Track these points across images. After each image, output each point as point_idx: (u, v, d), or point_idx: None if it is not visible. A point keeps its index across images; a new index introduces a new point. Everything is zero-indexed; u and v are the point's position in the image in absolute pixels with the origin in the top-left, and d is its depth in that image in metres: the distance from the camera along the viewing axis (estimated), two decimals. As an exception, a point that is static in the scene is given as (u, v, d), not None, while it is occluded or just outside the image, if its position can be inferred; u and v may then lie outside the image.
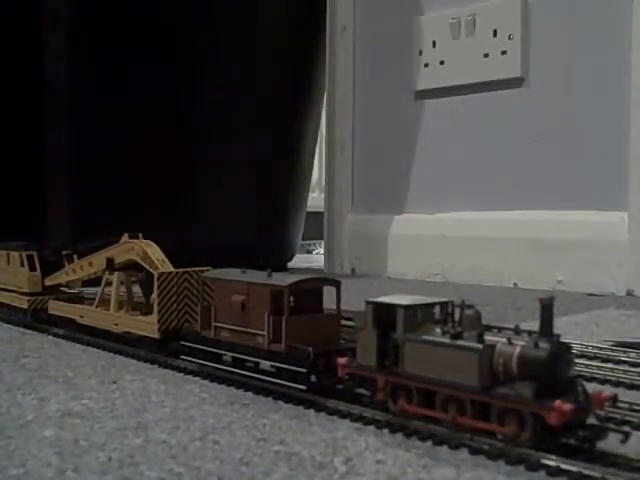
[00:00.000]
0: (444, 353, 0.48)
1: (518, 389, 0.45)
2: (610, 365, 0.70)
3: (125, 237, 0.79)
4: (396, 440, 0.49)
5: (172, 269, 0.73)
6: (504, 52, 1.38)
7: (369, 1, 1.63)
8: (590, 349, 0.75)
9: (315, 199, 2.19)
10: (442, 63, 1.48)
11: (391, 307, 0.51)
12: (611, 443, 0.44)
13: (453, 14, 1.45)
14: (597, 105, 1.28)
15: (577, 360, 0.70)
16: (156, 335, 0.72)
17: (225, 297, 0.63)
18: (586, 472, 0.41)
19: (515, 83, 1.38)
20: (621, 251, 1.24)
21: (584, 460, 0.42)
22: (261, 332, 0.60)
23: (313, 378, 0.57)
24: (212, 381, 0.64)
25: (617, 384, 0.64)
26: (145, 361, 0.73)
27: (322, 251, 1.85)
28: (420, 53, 1.51)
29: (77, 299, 0.92)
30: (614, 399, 0.47)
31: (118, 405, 0.57)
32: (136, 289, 0.81)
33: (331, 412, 0.54)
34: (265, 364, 0.61)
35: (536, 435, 0.44)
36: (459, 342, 0.48)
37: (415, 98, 1.54)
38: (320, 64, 1.70)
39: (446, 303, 0.52)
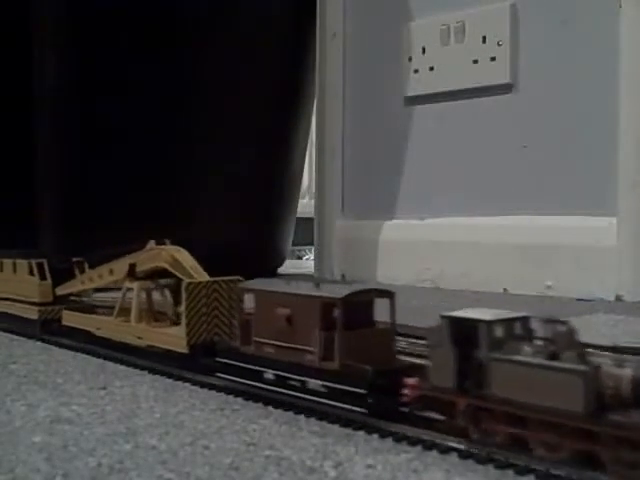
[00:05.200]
0: (541, 375, 0.43)
1: (636, 417, 0.40)
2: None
3: (151, 243, 0.74)
4: (386, 445, 0.49)
5: (206, 277, 0.67)
6: (493, 58, 1.39)
7: (359, 8, 1.64)
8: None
9: (305, 205, 2.19)
10: (432, 69, 1.48)
11: (471, 322, 0.47)
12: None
13: (442, 21, 1.45)
14: (586, 111, 1.29)
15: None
16: (184, 349, 0.66)
17: (268, 310, 0.58)
18: (574, 477, 0.41)
19: (504, 89, 1.39)
20: (610, 256, 1.24)
21: None
22: (310, 348, 0.55)
23: (372, 400, 0.51)
24: (202, 387, 0.64)
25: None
26: (135, 367, 0.73)
27: (312, 257, 1.85)
28: (410, 59, 1.52)
29: (90, 309, 0.86)
30: None
31: (108, 411, 0.57)
32: (154, 298, 0.77)
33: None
34: (315, 383, 0.55)
35: None
36: (559, 364, 0.43)
37: (405, 104, 1.55)
38: (310, 70, 1.71)
39: (527, 318, 0.48)
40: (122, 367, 0.73)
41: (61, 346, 0.84)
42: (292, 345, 0.56)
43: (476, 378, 0.46)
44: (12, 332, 0.92)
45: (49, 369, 0.72)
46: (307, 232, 1.81)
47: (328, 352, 0.54)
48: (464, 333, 0.47)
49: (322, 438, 0.50)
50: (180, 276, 0.69)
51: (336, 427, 0.52)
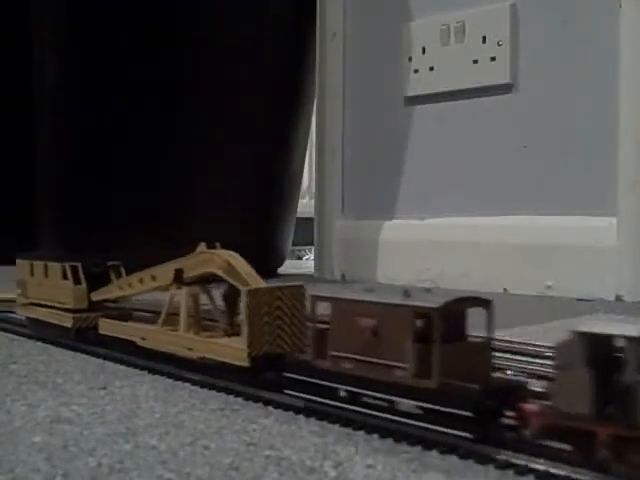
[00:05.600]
0: None
1: None
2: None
3: (202, 246, 0.68)
4: (386, 445, 0.49)
5: (263, 283, 0.61)
6: (493, 58, 1.39)
7: (359, 8, 1.64)
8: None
9: (305, 205, 2.19)
10: (432, 69, 1.49)
11: (613, 339, 0.41)
12: None
13: (442, 21, 1.45)
14: (586, 110, 1.29)
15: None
16: (245, 363, 0.59)
17: (348, 320, 0.52)
18: (575, 476, 0.41)
19: (504, 89, 1.39)
20: (610, 256, 1.24)
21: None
22: (400, 364, 0.49)
23: (479, 423, 0.45)
24: (202, 387, 0.64)
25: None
26: (135, 367, 0.72)
27: (312, 257, 1.85)
28: (410, 59, 1.52)
29: (127, 316, 0.80)
30: None
31: (107, 411, 0.57)
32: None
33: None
34: (407, 404, 0.49)
35: None
36: None
37: (405, 104, 1.55)
38: (310, 70, 1.71)
39: None
40: (122, 367, 0.73)
41: (64, 346, 0.84)
42: (377, 360, 0.50)
43: (621, 404, 0.40)
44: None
45: (49, 369, 0.72)
46: (307, 232, 1.81)
47: (423, 368, 0.48)
48: (602, 351, 0.41)
49: (322, 438, 0.50)
50: (234, 283, 0.63)
51: (336, 427, 0.52)
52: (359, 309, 0.52)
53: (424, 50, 1.49)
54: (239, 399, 0.60)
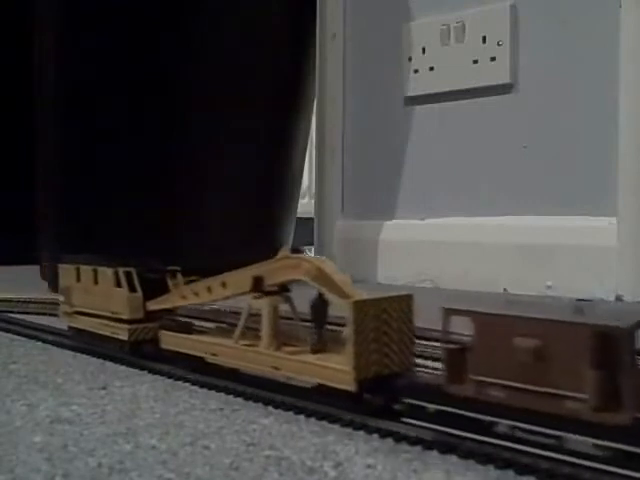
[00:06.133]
0: None
1: None
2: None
3: (284, 251, 0.61)
4: (386, 445, 0.49)
5: (362, 293, 0.54)
6: (493, 58, 1.39)
7: (359, 8, 1.64)
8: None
9: (305, 205, 2.18)
10: (432, 69, 1.48)
11: None
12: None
13: (442, 20, 1.45)
14: (586, 110, 1.29)
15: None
16: (351, 386, 0.51)
17: (500, 340, 0.44)
18: (575, 476, 0.41)
19: (504, 89, 1.39)
20: (610, 256, 1.24)
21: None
22: (575, 394, 0.41)
23: None
24: (202, 387, 0.64)
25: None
26: (135, 367, 0.72)
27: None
28: (410, 59, 1.52)
29: (188, 328, 0.72)
30: None
31: (108, 411, 0.57)
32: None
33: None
34: (583, 442, 0.41)
35: None
36: None
37: (405, 104, 1.55)
38: (310, 70, 1.71)
39: None
40: (122, 367, 0.73)
41: (64, 346, 0.84)
42: (541, 388, 0.42)
43: None
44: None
45: (49, 369, 0.72)
46: (307, 232, 1.81)
47: (607, 400, 0.40)
48: None
49: (322, 438, 0.50)
50: (326, 292, 0.56)
51: (336, 427, 0.52)
52: (516, 326, 0.43)
53: (424, 50, 1.49)
54: (239, 399, 0.60)
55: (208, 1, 1.54)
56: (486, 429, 0.45)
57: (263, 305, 0.61)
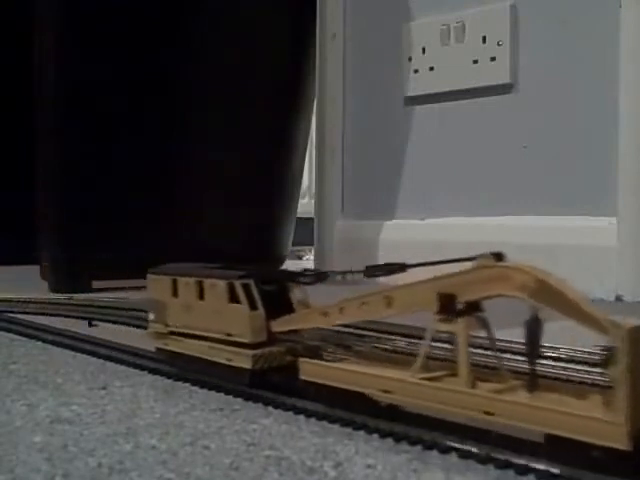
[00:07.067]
0: None
1: None
2: (598, 369, 0.70)
3: (486, 258, 0.49)
4: (386, 445, 0.49)
5: (626, 319, 0.41)
6: (493, 58, 1.39)
7: (359, 8, 1.64)
8: (579, 354, 0.75)
9: (305, 205, 2.19)
10: (432, 69, 1.49)
11: None
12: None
13: (442, 21, 1.46)
14: (586, 110, 1.29)
15: (566, 365, 0.70)
16: (623, 444, 0.38)
17: None
18: (575, 476, 0.41)
19: (504, 89, 1.39)
20: (610, 256, 1.24)
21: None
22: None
23: None
24: (202, 387, 0.64)
25: (605, 389, 0.64)
26: (134, 367, 0.72)
27: (312, 257, 1.85)
28: (410, 59, 1.52)
29: (320, 354, 0.59)
30: None
31: (108, 411, 0.57)
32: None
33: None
34: None
35: None
36: None
37: (405, 104, 1.55)
38: (310, 70, 1.71)
39: None
40: (122, 367, 0.73)
41: (64, 346, 0.84)
42: None
43: None
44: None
45: (49, 369, 0.72)
46: (307, 232, 1.81)
47: None
48: None
49: (322, 438, 0.50)
50: (559, 314, 0.43)
51: (336, 427, 0.52)
52: None
53: (424, 50, 1.49)
54: (239, 399, 0.60)
55: (208, 1, 1.54)
56: None
57: (458, 330, 0.47)
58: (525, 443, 0.43)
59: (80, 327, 0.94)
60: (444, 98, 1.48)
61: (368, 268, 0.60)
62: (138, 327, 0.95)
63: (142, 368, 0.71)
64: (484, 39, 1.40)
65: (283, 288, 0.61)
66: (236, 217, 1.64)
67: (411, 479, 0.43)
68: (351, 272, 0.61)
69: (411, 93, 1.53)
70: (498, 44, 1.38)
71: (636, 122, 1.23)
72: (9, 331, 0.94)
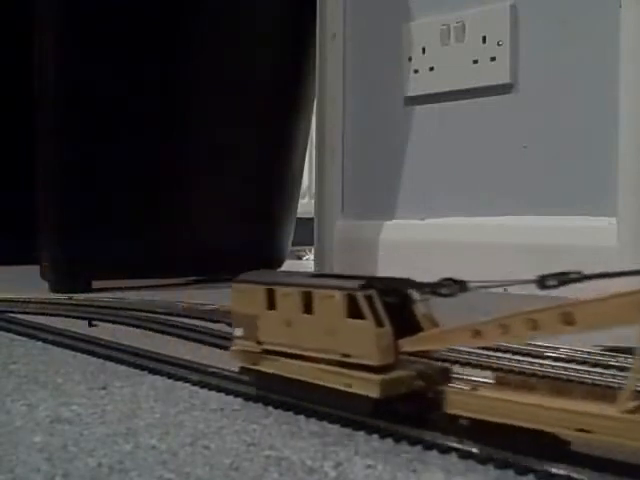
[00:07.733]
0: None
1: None
2: (599, 370, 0.70)
3: None
4: (386, 445, 0.49)
5: None
6: (493, 58, 1.39)
7: (359, 8, 1.64)
8: (579, 354, 0.75)
9: (305, 205, 2.19)
10: (432, 69, 1.49)
11: None
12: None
13: (442, 21, 1.46)
14: (586, 110, 1.29)
15: (566, 365, 0.70)
16: None
17: None
18: (576, 476, 0.41)
19: (504, 89, 1.39)
20: (610, 256, 1.24)
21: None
22: None
23: None
24: (202, 387, 0.64)
25: (604, 389, 0.64)
26: (134, 367, 0.72)
27: (312, 257, 1.85)
28: (410, 59, 1.52)
29: (450, 377, 0.50)
30: None
31: (108, 411, 0.57)
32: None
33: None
34: None
35: None
36: None
37: (405, 104, 1.55)
38: (310, 70, 1.71)
39: None
40: (122, 367, 0.73)
41: (64, 346, 0.84)
42: None
43: None
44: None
45: (49, 369, 0.72)
46: (307, 232, 1.81)
47: None
48: None
49: (322, 438, 0.50)
50: None
51: (336, 427, 0.52)
52: None
53: (424, 50, 1.49)
54: (239, 399, 0.60)
55: (208, 1, 1.54)
56: None
57: None
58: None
59: (80, 327, 0.94)
60: (444, 98, 1.48)
61: (542, 278, 0.46)
62: (138, 327, 0.95)
63: (142, 368, 0.72)
64: (484, 39, 1.40)
65: (405, 300, 0.52)
66: (236, 217, 1.64)
67: (411, 479, 0.43)
68: (519, 282, 0.49)
69: (411, 93, 1.53)
70: (498, 44, 1.38)
71: (636, 122, 1.23)
72: (9, 331, 0.94)
